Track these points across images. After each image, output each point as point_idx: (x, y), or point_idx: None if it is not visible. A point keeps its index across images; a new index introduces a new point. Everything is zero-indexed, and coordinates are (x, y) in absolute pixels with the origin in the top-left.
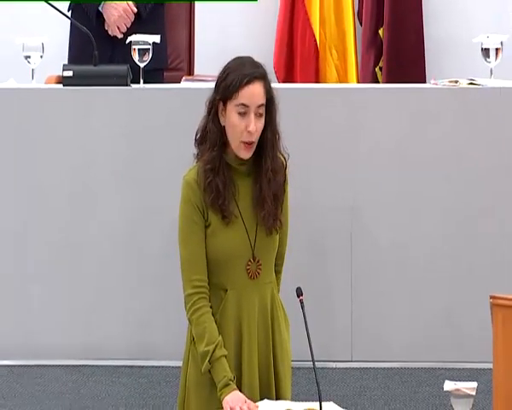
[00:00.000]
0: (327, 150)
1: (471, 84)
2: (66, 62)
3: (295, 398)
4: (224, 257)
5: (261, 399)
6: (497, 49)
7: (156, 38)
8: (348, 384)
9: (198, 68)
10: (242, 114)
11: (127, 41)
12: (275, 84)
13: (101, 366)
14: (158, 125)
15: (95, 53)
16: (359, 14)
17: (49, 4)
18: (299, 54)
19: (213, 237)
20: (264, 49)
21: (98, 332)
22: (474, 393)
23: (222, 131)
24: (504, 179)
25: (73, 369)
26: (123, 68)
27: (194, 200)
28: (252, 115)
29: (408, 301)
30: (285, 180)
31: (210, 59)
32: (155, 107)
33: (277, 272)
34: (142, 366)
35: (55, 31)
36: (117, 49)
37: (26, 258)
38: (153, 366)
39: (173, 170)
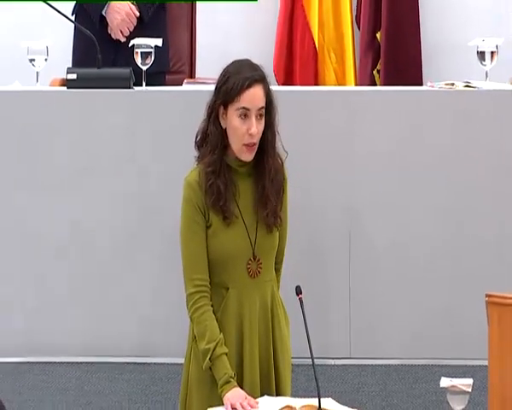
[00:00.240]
0: (325, 152)
1: (467, 86)
2: (70, 65)
3: (294, 394)
4: (225, 257)
5: (261, 395)
6: (492, 53)
7: (158, 42)
8: (346, 381)
9: (199, 71)
10: (244, 118)
11: (130, 44)
12: (275, 87)
13: (105, 362)
14: (160, 127)
15: (98, 56)
16: (357, 18)
17: (54, 9)
18: (298, 57)
19: (214, 238)
20: (264, 53)
21: (101, 330)
22: (469, 389)
23: (223, 133)
24: (501, 180)
25: (77, 366)
26: (126, 71)
27: (195, 200)
28: (253, 118)
29: (405, 299)
30: (284, 180)
31: (211, 62)
32: (157, 109)
33: (277, 270)
34: (145, 363)
35: (60, 34)
36: (120, 53)
37: (29, 257)
38: (155, 363)
39: (175, 171)
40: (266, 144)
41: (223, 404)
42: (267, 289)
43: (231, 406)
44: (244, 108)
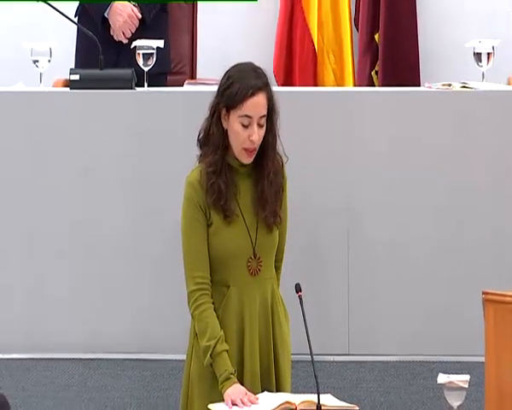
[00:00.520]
0: (324, 152)
1: (464, 87)
2: (73, 67)
3: (294, 390)
4: (226, 255)
5: (262, 391)
6: (488, 54)
7: (160, 43)
8: (345, 377)
9: (200, 72)
10: (245, 124)
11: (132, 46)
12: (274, 88)
13: (107, 359)
14: (161, 128)
15: (100, 57)
16: (356, 20)
17: (57, 10)
18: (297, 58)
19: (215, 236)
20: (264, 54)
21: (104, 327)
22: (466, 385)
23: (224, 134)
24: (498, 180)
25: (80, 362)
26: (128, 72)
27: (196, 200)
28: (254, 126)
29: (403, 297)
30: (284, 179)
31: (212, 63)
32: (159, 109)
33: (277, 268)
34: (147, 360)
35: (63, 36)
36: (122, 54)
37: (34, 256)
38: (157, 360)
39: (176, 171)
40: (267, 147)
41: (223, 400)
42: (267, 287)
43: (232, 402)
44: (246, 115)
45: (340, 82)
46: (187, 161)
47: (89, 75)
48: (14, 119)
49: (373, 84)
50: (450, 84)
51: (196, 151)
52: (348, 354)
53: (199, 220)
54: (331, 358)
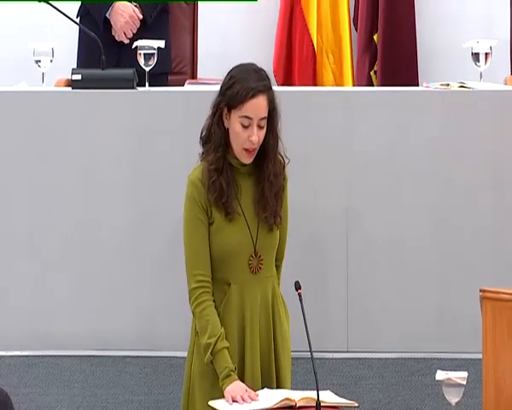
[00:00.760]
0: (323, 151)
1: (462, 87)
2: (75, 67)
3: (294, 387)
4: (228, 253)
5: (262, 388)
6: (486, 54)
7: (161, 43)
8: (344, 374)
9: (201, 72)
10: (245, 125)
11: (133, 46)
12: (274, 87)
13: (109, 356)
14: (162, 127)
15: (102, 57)
16: (355, 21)
17: (59, 11)
18: (297, 58)
19: (217, 234)
20: (264, 54)
21: (106, 325)
22: (464, 382)
23: (225, 133)
24: (496, 179)
25: (82, 359)
26: (129, 72)
27: (198, 198)
28: (254, 127)
29: (401, 294)
30: (284, 179)
31: (212, 63)
32: (160, 109)
33: (278, 267)
34: (148, 357)
35: (65, 36)
36: (123, 54)
37: (38, 255)
38: (158, 357)
39: (178, 170)
40: (268, 149)
41: (224, 397)
42: (268, 285)
43: (232, 398)
44: (246, 116)
45: (339, 82)
46: (188, 160)
47: (90, 75)
48: (16, 118)
49: (372, 84)
50: (448, 84)
51: (197, 151)
52: (347, 352)
53: (200, 219)
54: (330, 355)
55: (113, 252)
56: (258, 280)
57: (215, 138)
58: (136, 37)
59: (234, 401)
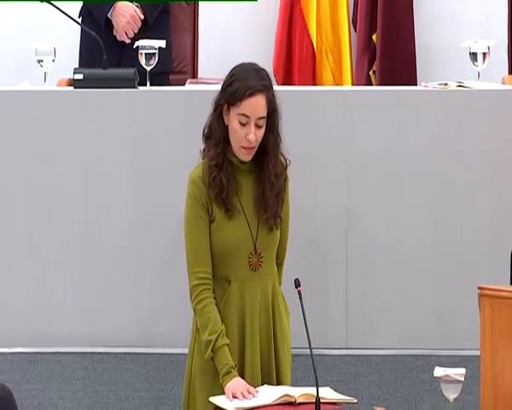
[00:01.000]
0: (323, 150)
1: (460, 86)
2: (77, 66)
3: (293, 383)
4: (228, 250)
5: (262, 384)
6: (484, 54)
7: (162, 43)
8: (344, 370)
9: (201, 71)
10: (243, 123)
11: (134, 46)
12: (274, 87)
13: (110, 353)
14: (164, 126)
15: (104, 57)
16: (354, 21)
17: (61, 11)
18: (297, 58)
19: (217, 231)
20: (263, 54)
21: (107, 322)
22: (462, 378)
23: (226, 129)
24: (494, 178)
25: (84, 356)
26: (130, 72)
27: (199, 196)
28: (252, 126)
29: (400, 292)
30: (286, 179)
31: (213, 63)
32: (161, 108)
33: (279, 265)
34: (149, 353)
35: (67, 36)
36: (125, 54)
37: (39, 255)
38: (159, 353)
39: (179, 169)
40: (268, 147)
41: (224, 393)
42: (268, 283)
43: (232, 395)
44: (244, 114)
45: (338, 81)
46: (189, 159)
47: (92, 74)
48: (18, 117)
49: (371, 84)
50: (446, 84)
51: (198, 150)
52: (346, 348)
53: (201, 217)
54: (330, 351)
55: (114, 251)
56: (258, 277)
57: (215, 134)
58: (137, 37)
59: (234, 397)
